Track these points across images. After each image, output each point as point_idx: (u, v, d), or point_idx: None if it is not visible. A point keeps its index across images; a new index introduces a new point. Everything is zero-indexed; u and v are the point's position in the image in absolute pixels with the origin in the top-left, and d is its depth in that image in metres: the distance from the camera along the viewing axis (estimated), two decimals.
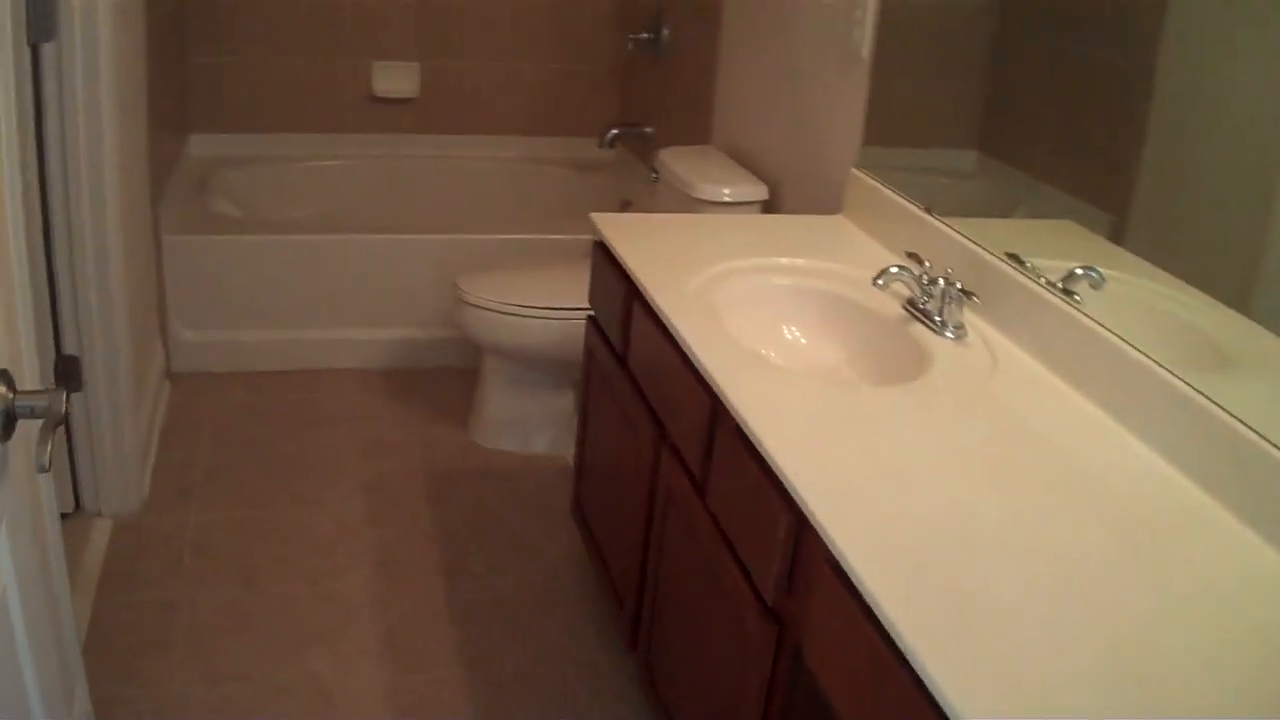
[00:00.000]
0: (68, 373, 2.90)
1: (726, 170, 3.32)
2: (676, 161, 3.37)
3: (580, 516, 2.85)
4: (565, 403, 3.55)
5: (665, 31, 4.23)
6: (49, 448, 1.30)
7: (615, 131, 4.45)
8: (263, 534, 3.08)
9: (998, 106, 2.34)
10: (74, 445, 3.01)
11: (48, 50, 2.62)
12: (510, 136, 4.88)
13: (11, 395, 1.32)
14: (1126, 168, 1.93)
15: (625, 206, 4.46)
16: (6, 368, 1.34)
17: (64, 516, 2.97)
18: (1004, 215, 2.33)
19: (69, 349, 2.90)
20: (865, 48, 2.70)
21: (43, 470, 1.31)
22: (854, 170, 2.72)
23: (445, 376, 3.99)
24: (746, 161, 3.38)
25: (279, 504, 3.23)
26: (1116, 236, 1.94)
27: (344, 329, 3.98)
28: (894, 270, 2.14)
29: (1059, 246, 2.09)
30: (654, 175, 3.48)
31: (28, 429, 1.45)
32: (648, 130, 4.44)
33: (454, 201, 4.77)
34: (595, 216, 2.58)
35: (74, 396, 2.94)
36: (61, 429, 2.92)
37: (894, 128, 2.67)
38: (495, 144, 4.86)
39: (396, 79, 4.66)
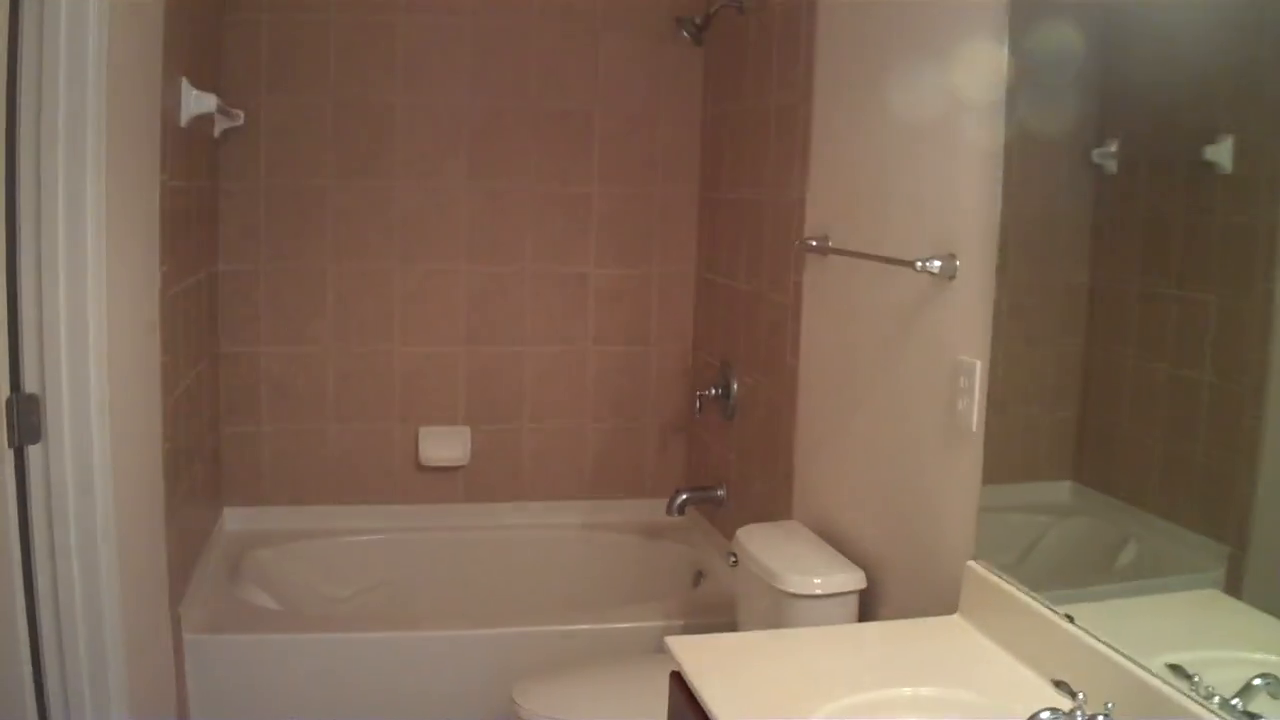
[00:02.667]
0: None
1: (815, 553, 2.90)
2: (756, 544, 2.95)
3: None
4: None
5: (735, 387, 3.90)
6: None
7: (684, 496, 4.06)
8: None
9: (1091, 432, 2.10)
10: None
11: (34, 453, 2.37)
12: (569, 501, 4.52)
13: None
14: (1239, 494, 1.73)
15: (699, 579, 4.04)
16: None
17: None
18: (1113, 553, 2.06)
19: None
20: (975, 419, 2.34)
21: None
22: (970, 563, 2.30)
23: None
24: (837, 541, 2.96)
25: None
26: (1236, 572, 1.73)
27: None
28: (1045, 717, 1.70)
29: (1215, 629, 1.81)
30: (732, 558, 3.06)
31: None
32: (719, 493, 4.05)
33: (510, 577, 4.36)
34: (671, 642, 2.12)
35: None
36: None
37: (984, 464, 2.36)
38: (553, 510, 4.50)
39: (445, 445, 4.35)
